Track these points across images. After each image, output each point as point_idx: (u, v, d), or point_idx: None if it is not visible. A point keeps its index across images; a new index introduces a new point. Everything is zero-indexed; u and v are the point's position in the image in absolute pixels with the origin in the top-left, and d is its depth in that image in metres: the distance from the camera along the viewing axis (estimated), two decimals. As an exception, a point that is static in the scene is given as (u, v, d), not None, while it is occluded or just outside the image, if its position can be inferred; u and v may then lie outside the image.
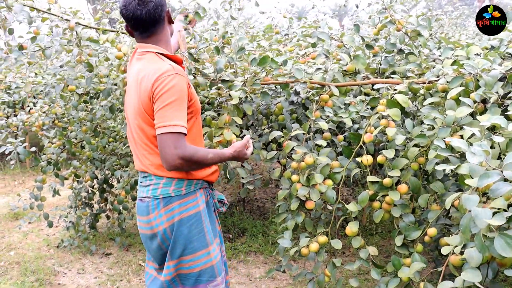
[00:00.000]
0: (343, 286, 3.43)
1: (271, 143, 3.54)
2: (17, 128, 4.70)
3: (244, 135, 2.37)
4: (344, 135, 2.59)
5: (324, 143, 2.19)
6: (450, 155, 1.95)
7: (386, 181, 2.02)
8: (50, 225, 4.24)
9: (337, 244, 2.12)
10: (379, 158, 2.10)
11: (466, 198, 1.39)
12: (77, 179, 4.55)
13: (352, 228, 2.09)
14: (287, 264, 2.32)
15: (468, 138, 1.72)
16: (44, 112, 4.30)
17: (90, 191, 4.50)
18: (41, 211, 4.09)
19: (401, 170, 2.05)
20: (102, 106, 3.58)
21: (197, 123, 1.96)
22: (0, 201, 6.19)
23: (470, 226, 1.42)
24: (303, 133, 2.28)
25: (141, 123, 1.83)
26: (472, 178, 1.46)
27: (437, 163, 1.95)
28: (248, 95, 2.60)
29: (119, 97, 3.19)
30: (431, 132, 2.01)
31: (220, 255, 1.95)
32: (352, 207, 2.07)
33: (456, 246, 1.56)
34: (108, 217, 4.69)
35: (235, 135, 2.23)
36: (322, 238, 2.17)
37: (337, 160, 2.32)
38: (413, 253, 1.96)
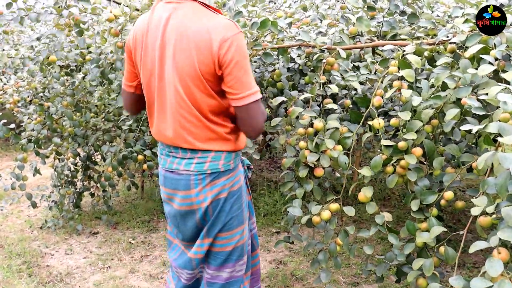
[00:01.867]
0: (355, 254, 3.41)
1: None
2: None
3: None
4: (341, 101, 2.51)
5: (335, 107, 2.10)
6: (466, 117, 1.89)
7: (401, 144, 1.95)
8: (34, 205, 4.07)
9: (350, 211, 2.06)
10: (393, 121, 2.04)
11: (503, 157, 1.33)
12: (58, 157, 4.38)
13: (366, 193, 2.03)
14: (296, 235, 2.25)
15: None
16: (19, 88, 4.09)
17: (73, 169, 4.33)
18: (23, 191, 3.92)
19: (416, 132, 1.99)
20: (85, 77, 3.39)
21: None
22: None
23: (507, 185, 1.36)
24: (311, 97, 2.18)
25: (193, 89, 1.58)
26: (503, 136, 1.41)
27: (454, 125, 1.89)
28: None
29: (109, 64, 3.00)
30: (444, 93, 1.95)
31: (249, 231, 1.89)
32: (365, 171, 2.01)
33: (486, 207, 1.52)
34: (92, 195, 4.55)
35: None
36: (334, 206, 2.11)
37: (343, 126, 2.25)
38: (429, 218, 1.91)
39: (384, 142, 1.97)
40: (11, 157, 7.00)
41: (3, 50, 4.07)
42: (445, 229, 1.79)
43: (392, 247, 2.07)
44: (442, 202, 1.96)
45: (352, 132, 2.13)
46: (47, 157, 4.26)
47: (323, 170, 2.15)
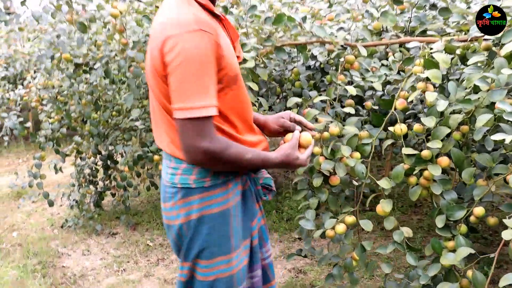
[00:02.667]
0: (373, 271, 3.20)
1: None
2: (16, 103, 4.46)
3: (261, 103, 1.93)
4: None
5: (352, 111, 1.91)
6: (499, 124, 1.67)
7: (425, 153, 1.75)
8: (51, 204, 4.02)
9: (367, 225, 1.87)
10: (416, 127, 1.83)
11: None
12: (79, 156, 4.32)
13: (384, 207, 1.83)
14: (310, 249, 2.07)
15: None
16: (41, 85, 4.04)
17: (93, 168, 4.26)
18: (40, 189, 3.87)
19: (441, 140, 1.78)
20: (95, 70, 3.27)
21: (237, 95, 1.45)
22: (4, 180, 6.00)
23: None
24: (328, 100, 2.00)
25: (156, 90, 1.41)
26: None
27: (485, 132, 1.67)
28: (260, 59, 2.31)
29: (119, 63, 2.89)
30: (475, 96, 1.73)
31: (245, 260, 1.55)
32: (384, 183, 1.81)
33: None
34: (113, 194, 4.47)
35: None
36: (350, 219, 1.92)
37: (364, 130, 2.05)
38: (456, 236, 1.70)
39: (405, 150, 1.77)
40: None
41: (23, 46, 4.03)
42: (473, 251, 1.58)
43: (417, 267, 1.87)
44: (472, 218, 1.74)
45: (373, 137, 1.94)
46: (68, 155, 4.21)
47: (339, 178, 1.96)
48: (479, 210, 1.70)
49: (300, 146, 1.53)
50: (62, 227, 4.40)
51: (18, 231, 4.39)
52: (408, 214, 4.05)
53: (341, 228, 1.90)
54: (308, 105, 2.11)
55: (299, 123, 1.67)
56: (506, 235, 1.32)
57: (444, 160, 1.76)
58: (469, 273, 1.63)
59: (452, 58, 2.06)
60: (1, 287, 3.25)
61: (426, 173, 1.77)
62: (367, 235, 3.66)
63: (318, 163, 1.95)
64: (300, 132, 1.56)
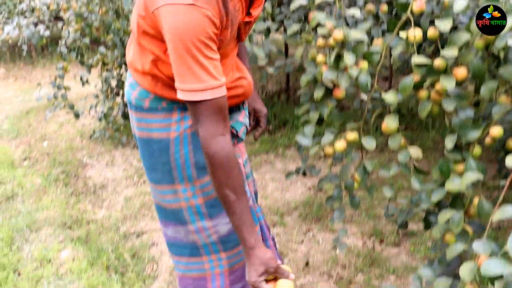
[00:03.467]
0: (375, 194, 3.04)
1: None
2: (43, 13, 4.34)
3: None
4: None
5: (357, 14, 1.66)
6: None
7: (438, 62, 1.50)
8: (77, 115, 4.02)
9: (369, 143, 1.68)
10: (430, 32, 1.56)
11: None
12: (105, 67, 4.23)
13: (389, 123, 1.62)
14: (309, 166, 1.92)
15: None
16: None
17: (119, 80, 4.18)
18: (65, 101, 3.84)
19: (460, 49, 1.51)
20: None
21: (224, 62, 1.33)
22: (43, 92, 6.08)
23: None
24: (336, 1, 1.75)
25: (138, 16, 1.28)
26: None
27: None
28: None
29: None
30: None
31: (199, 199, 1.42)
32: (390, 96, 1.59)
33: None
34: (141, 107, 4.41)
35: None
36: (352, 135, 1.73)
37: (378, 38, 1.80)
38: (467, 159, 1.48)
39: (416, 58, 1.53)
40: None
41: None
42: (482, 177, 1.37)
43: (420, 191, 1.68)
44: (487, 140, 1.51)
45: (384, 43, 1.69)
46: (93, 66, 4.14)
47: (344, 91, 1.75)
48: (496, 131, 1.47)
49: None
50: (90, 138, 4.43)
51: (49, 141, 4.46)
52: (419, 136, 3.77)
53: (341, 145, 1.72)
54: (314, 9, 1.86)
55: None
56: (510, 161, 1.11)
57: (460, 72, 1.51)
58: (475, 200, 1.44)
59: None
60: (23, 194, 3.33)
61: (438, 86, 1.53)
62: (371, 161, 3.46)
63: (320, 73, 1.74)
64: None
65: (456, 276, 1.46)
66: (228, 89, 1.32)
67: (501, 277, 0.91)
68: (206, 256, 1.50)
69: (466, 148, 1.57)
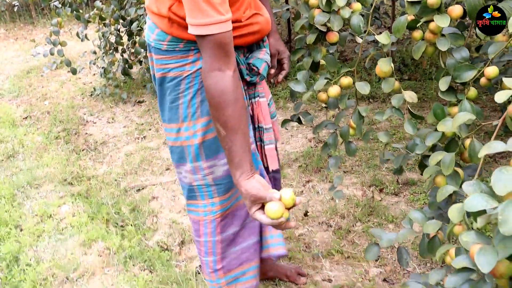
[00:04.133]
0: (371, 140, 3.00)
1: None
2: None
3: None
4: None
5: None
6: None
7: (432, 0, 1.43)
8: (74, 72, 3.97)
9: (363, 87, 1.63)
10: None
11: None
12: (103, 22, 4.16)
13: (382, 66, 1.57)
14: (303, 113, 1.88)
15: None
16: None
17: (117, 35, 4.11)
18: (61, 57, 3.80)
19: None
20: None
21: None
22: (41, 49, 6.02)
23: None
24: None
25: None
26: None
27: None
28: None
29: None
30: None
31: (199, 138, 1.45)
32: (383, 38, 1.53)
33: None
34: (140, 62, 4.36)
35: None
36: (346, 80, 1.68)
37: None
38: (462, 101, 1.44)
39: (409, -4, 1.46)
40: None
41: None
42: (474, 117, 1.33)
43: (414, 136, 1.65)
44: (482, 80, 1.46)
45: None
46: (89, 21, 4.07)
47: (337, 35, 1.69)
48: (491, 71, 1.41)
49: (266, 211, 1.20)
50: (91, 96, 4.40)
51: (50, 99, 4.44)
52: (423, 86, 3.69)
53: (334, 90, 1.67)
54: None
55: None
56: (499, 97, 1.06)
57: (456, 10, 1.44)
58: (467, 142, 1.40)
59: None
60: (24, 151, 3.34)
61: (432, 25, 1.47)
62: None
63: (313, 16, 1.68)
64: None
65: (447, 220, 1.44)
66: (244, 26, 1.39)
67: (484, 212, 0.89)
68: (201, 200, 1.55)
69: (462, 91, 1.53)
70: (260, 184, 1.25)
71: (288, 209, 1.22)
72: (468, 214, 1.05)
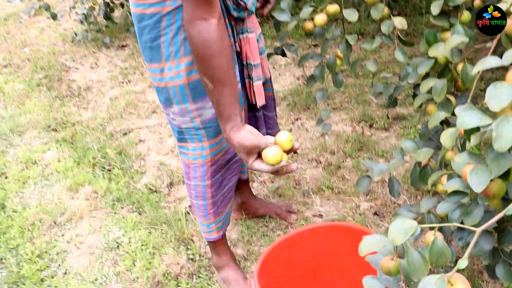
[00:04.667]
0: (360, 76, 2.94)
1: None
2: None
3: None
4: None
5: None
6: None
7: None
8: (54, 17, 3.83)
9: (351, 15, 1.55)
10: None
11: None
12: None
13: (370, -9, 1.49)
14: (286, 44, 1.80)
15: None
16: None
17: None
18: (39, 1, 3.63)
19: None
20: None
21: None
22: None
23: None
24: None
25: None
26: None
27: None
28: None
29: None
30: None
31: (183, 79, 1.37)
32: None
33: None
34: (122, 5, 4.20)
35: None
36: (332, 7, 1.60)
37: None
38: (455, 24, 1.37)
39: None
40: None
41: None
42: (466, 39, 1.26)
43: (407, 66, 1.59)
44: (476, 2, 1.39)
45: None
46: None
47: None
48: (486, -11, 1.34)
49: (264, 158, 1.12)
50: (72, 41, 4.26)
51: (30, 46, 4.30)
52: (413, 21, 3.60)
53: (320, 18, 1.59)
54: None
55: None
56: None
57: None
58: (459, 66, 1.35)
59: None
60: (5, 99, 3.25)
61: None
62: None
63: None
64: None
65: (438, 149, 1.40)
66: None
67: (477, 130, 0.84)
68: (190, 143, 1.50)
69: (455, 15, 1.45)
70: (251, 133, 1.18)
71: (287, 152, 1.17)
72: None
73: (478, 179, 0.79)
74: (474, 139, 0.85)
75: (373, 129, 2.46)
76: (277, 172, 1.15)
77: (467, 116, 0.81)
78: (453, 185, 0.94)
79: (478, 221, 0.88)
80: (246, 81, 1.55)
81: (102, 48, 4.04)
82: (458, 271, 0.71)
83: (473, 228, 0.75)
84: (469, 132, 0.85)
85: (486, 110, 0.87)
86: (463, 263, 0.70)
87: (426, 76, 1.55)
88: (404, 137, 2.36)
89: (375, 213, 1.96)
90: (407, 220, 0.74)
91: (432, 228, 1.10)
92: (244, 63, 1.52)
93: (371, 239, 0.78)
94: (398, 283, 0.82)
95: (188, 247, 1.89)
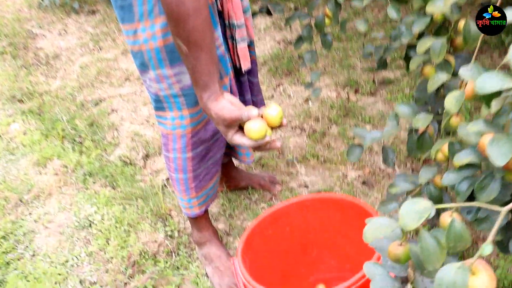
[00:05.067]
0: (348, 30, 2.80)
1: None
2: None
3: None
4: None
5: None
6: None
7: None
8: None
9: (338, -31, 1.42)
10: None
11: None
12: None
13: None
14: (273, 5, 1.66)
15: None
16: None
17: None
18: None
19: None
20: None
21: None
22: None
23: None
24: None
25: None
26: None
27: None
28: None
29: None
30: None
31: (159, 41, 1.23)
32: None
33: None
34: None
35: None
36: (318, -38, 1.46)
37: None
38: (454, -25, 1.24)
39: None
40: None
41: None
42: (470, -9, 1.14)
43: (400, 23, 1.46)
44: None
45: None
46: None
47: None
48: None
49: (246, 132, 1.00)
50: (39, 7, 4.01)
51: (-8, 13, 4.03)
52: None
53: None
54: None
55: None
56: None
57: None
58: (460, 24, 1.23)
59: None
60: (-34, 68, 3.04)
61: None
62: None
63: None
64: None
65: (437, 114, 1.30)
66: None
67: (498, 94, 0.73)
68: (169, 112, 1.36)
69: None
70: (232, 103, 1.05)
71: (273, 128, 1.04)
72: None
73: (500, 151, 0.67)
74: (495, 104, 0.73)
75: (359, 94, 2.35)
76: (259, 147, 1.03)
77: (487, 79, 0.69)
78: (465, 157, 0.83)
79: (494, 196, 0.77)
80: (229, 42, 1.41)
81: (71, 14, 3.81)
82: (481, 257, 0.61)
83: (497, 208, 0.64)
84: (489, 97, 0.73)
85: (508, 72, 0.75)
86: (487, 248, 0.59)
87: (420, 36, 1.44)
88: (391, 102, 2.26)
89: (364, 183, 1.86)
90: (420, 201, 0.63)
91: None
92: (227, 23, 1.38)
93: (376, 222, 0.67)
94: (406, 270, 0.71)
95: (166, 223, 1.77)
